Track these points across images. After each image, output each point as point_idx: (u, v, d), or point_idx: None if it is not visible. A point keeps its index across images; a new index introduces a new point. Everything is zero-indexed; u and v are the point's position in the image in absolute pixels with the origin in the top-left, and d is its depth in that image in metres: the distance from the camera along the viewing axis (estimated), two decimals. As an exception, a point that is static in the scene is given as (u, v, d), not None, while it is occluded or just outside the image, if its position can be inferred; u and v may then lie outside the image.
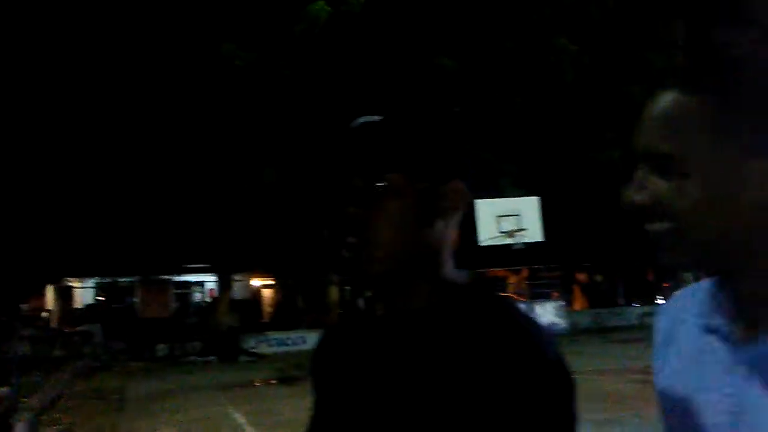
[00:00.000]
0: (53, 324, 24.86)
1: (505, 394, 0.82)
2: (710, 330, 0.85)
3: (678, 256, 0.81)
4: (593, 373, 11.35)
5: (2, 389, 9.19)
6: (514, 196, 16.85)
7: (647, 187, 0.81)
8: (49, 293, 27.01)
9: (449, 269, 0.97)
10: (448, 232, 0.96)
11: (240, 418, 10.11)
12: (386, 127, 0.94)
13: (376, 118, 0.95)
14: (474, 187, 1.00)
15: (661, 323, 0.99)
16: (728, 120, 0.76)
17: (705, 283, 0.91)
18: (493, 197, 16.27)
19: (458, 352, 0.87)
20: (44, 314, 26.50)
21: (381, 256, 0.91)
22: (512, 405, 0.82)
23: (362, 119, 0.96)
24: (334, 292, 24.39)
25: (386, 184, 0.91)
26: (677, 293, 1.00)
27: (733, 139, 0.76)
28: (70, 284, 27.29)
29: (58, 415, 10.93)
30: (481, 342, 0.86)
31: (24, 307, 23.00)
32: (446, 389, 0.85)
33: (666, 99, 0.80)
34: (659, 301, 28.95)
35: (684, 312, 0.93)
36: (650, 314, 25.34)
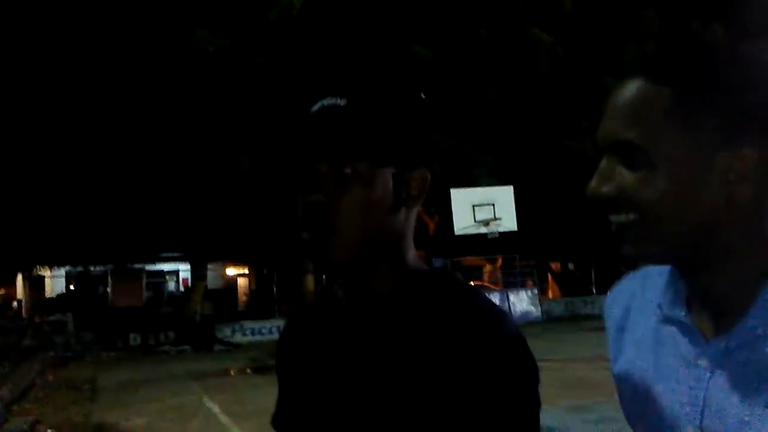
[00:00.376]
0: (24, 314, 24.49)
1: (468, 378, 0.82)
2: (670, 321, 0.84)
3: (642, 250, 0.79)
4: (567, 360, 11.50)
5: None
6: (489, 186, 16.96)
7: (612, 178, 0.79)
8: (19, 282, 26.58)
9: (411, 256, 0.97)
10: (411, 218, 0.96)
11: (214, 407, 10.08)
12: (352, 113, 0.91)
13: (340, 101, 0.93)
14: (448, 168, 0.98)
15: (612, 310, 0.97)
16: (697, 111, 0.75)
17: (655, 270, 0.89)
18: (468, 187, 16.36)
19: (422, 337, 0.87)
20: (14, 304, 26.09)
21: (345, 243, 0.90)
22: (474, 388, 0.82)
23: (325, 101, 0.94)
24: (309, 281, 24.34)
25: (352, 171, 0.90)
26: (624, 279, 0.99)
27: (701, 131, 0.75)
28: (41, 273, 26.87)
29: (28, 406, 10.79)
30: (444, 327, 0.86)
31: (-7, 296, 22.61)
32: (409, 374, 0.86)
33: (632, 87, 0.79)
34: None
35: (636, 299, 0.92)
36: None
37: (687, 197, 0.75)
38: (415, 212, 0.97)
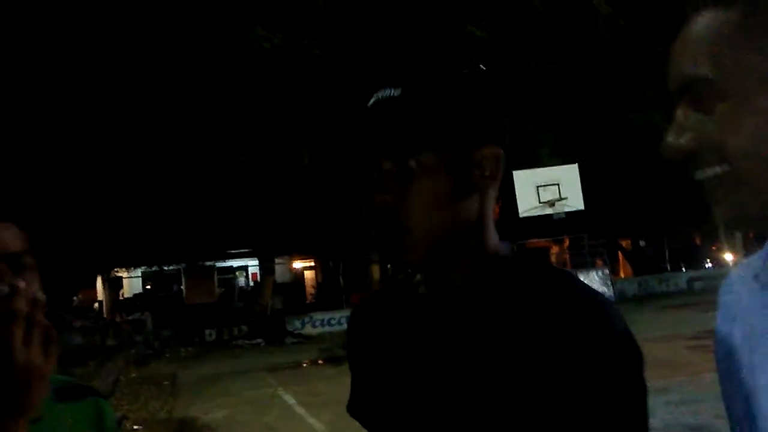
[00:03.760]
0: (104, 314, 25.56)
1: (572, 370, 0.76)
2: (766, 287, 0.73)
3: (738, 208, 0.68)
4: (643, 340, 11.01)
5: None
6: (553, 165, 16.60)
7: (690, 128, 0.69)
8: (99, 284, 27.74)
9: (494, 242, 0.90)
10: (489, 201, 0.89)
11: (289, 399, 10.26)
12: (408, 102, 0.86)
13: (394, 91, 0.87)
14: (511, 149, 0.91)
15: (726, 292, 0.85)
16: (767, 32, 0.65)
17: None
18: (531, 168, 16.05)
19: (514, 327, 0.81)
20: (95, 305, 27.24)
21: (420, 243, 0.85)
22: (580, 380, 0.76)
23: (380, 94, 0.88)
24: (375, 271, 24.48)
25: (416, 163, 0.84)
26: (747, 259, 0.86)
27: None
28: (119, 274, 27.97)
29: (114, 403, 11.24)
30: (540, 316, 0.80)
31: (75, 299, 23.64)
32: (510, 365, 0.80)
33: (697, 21, 0.69)
34: (708, 266, 28.34)
35: (744, 272, 0.81)
36: (698, 279, 24.82)
37: None
38: (493, 194, 0.90)
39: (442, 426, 0.84)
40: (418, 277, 0.96)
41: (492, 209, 0.91)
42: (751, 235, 0.81)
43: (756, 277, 0.77)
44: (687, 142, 0.69)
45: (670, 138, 0.70)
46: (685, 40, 0.70)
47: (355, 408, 1.00)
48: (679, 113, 0.70)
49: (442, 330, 0.88)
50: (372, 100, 0.89)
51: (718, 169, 0.67)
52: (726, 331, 0.81)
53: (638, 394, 0.78)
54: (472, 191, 0.87)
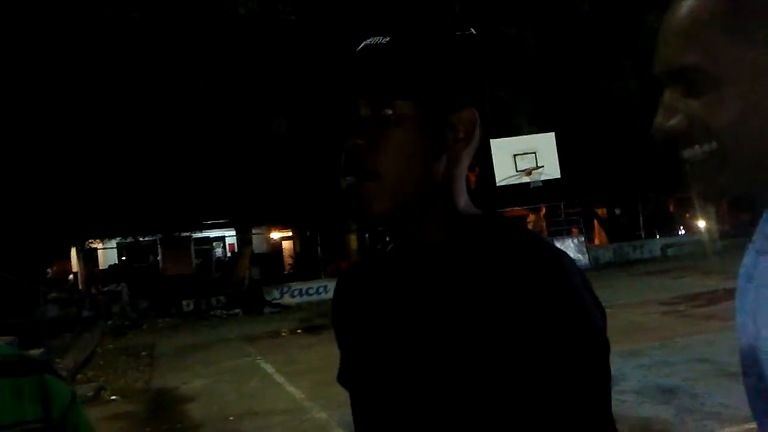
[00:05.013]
0: (80, 286, 25.33)
1: (531, 324, 0.77)
2: (765, 253, 0.75)
3: (724, 184, 0.70)
4: (618, 306, 11.37)
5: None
6: (530, 134, 16.63)
7: (678, 109, 0.71)
8: (74, 256, 27.44)
9: (464, 202, 0.91)
10: (462, 163, 0.90)
11: (268, 368, 10.31)
12: (394, 50, 0.86)
13: (382, 39, 0.88)
14: (490, 116, 0.92)
15: (745, 258, 0.86)
16: (755, 19, 0.67)
17: None
18: (508, 136, 16.07)
19: (480, 283, 0.82)
20: (70, 277, 26.97)
21: (389, 189, 0.85)
22: (539, 335, 0.77)
23: (368, 41, 0.89)
24: (353, 241, 24.50)
25: (393, 111, 0.85)
26: None
27: (763, 40, 0.66)
28: (93, 246, 27.67)
29: (92, 374, 11.21)
30: (503, 272, 0.81)
31: (49, 271, 23.38)
32: (469, 321, 0.81)
33: (681, 8, 0.71)
34: (681, 232, 28.77)
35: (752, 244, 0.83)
36: (671, 245, 25.21)
37: (764, 112, 0.67)
38: (466, 156, 0.91)
39: (406, 385, 0.85)
40: (388, 238, 0.97)
41: (464, 172, 0.91)
42: (723, 205, 0.81)
43: (753, 243, 0.79)
44: (677, 123, 0.71)
45: (660, 119, 0.72)
46: (672, 26, 0.71)
47: (343, 377, 1.02)
48: (668, 96, 0.72)
49: (409, 290, 0.89)
50: (360, 47, 0.89)
51: (706, 147, 0.69)
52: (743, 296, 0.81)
53: (597, 350, 0.79)
54: (445, 150, 0.87)
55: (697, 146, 0.70)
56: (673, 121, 0.71)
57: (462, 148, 0.89)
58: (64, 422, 1.02)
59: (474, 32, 0.92)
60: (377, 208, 0.86)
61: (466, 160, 0.91)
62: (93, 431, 1.08)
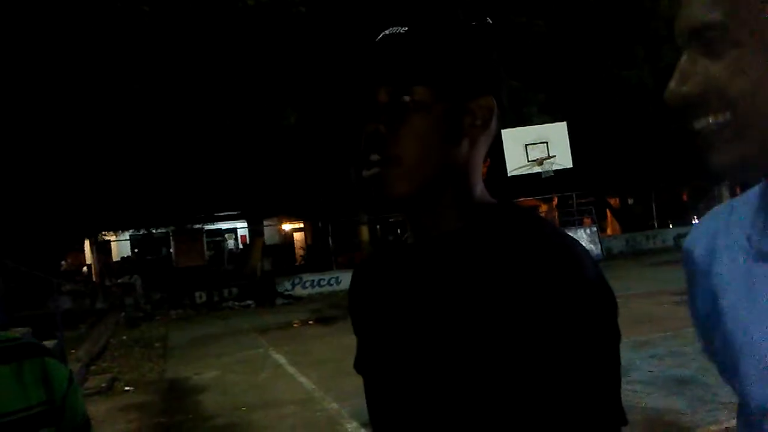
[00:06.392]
0: (93, 278, 25.54)
1: (545, 314, 0.77)
2: (764, 256, 0.70)
3: (738, 156, 0.65)
4: (630, 296, 11.31)
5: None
6: (542, 123, 16.51)
7: (695, 73, 0.66)
8: (87, 248, 27.66)
9: (480, 192, 0.92)
10: (479, 150, 0.91)
11: (280, 359, 10.35)
12: (412, 37, 0.88)
13: (401, 29, 0.89)
14: (506, 104, 0.94)
15: (693, 252, 0.83)
16: None
17: (751, 197, 0.75)
18: (520, 126, 15.96)
19: (495, 272, 0.82)
20: (84, 269, 27.20)
21: (408, 174, 0.87)
22: (553, 324, 0.77)
23: (387, 31, 0.90)
24: (364, 232, 24.52)
25: (411, 97, 0.86)
26: (705, 217, 0.84)
27: None
28: (107, 238, 27.87)
29: (105, 365, 11.30)
30: (518, 261, 0.81)
31: (63, 263, 23.58)
32: (485, 309, 0.81)
33: None
34: (695, 222, 28.60)
35: (720, 237, 0.78)
36: (685, 235, 25.02)
37: None
38: (483, 143, 0.92)
39: (421, 372, 0.86)
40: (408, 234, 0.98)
41: (480, 160, 0.92)
42: (738, 191, 0.78)
43: (748, 239, 0.73)
44: (691, 87, 0.67)
45: (674, 85, 0.68)
46: None
47: (359, 365, 1.03)
48: (684, 59, 0.68)
49: (425, 278, 0.90)
50: (379, 36, 0.91)
51: (720, 117, 0.65)
52: (703, 296, 0.80)
53: (608, 339, 0.79)
54: (463, 137, 0.89)
55: (710, 117, 0.66)
56: (686, 87, 0.67)
57: (479, 133, 0.90)
58: (64, 404, 1.04)
59: (490, 21, 0.93)
60: (398, 190, 0.87)
61: (483, 148, 0.92)
62: (86, 412, 1.09)
